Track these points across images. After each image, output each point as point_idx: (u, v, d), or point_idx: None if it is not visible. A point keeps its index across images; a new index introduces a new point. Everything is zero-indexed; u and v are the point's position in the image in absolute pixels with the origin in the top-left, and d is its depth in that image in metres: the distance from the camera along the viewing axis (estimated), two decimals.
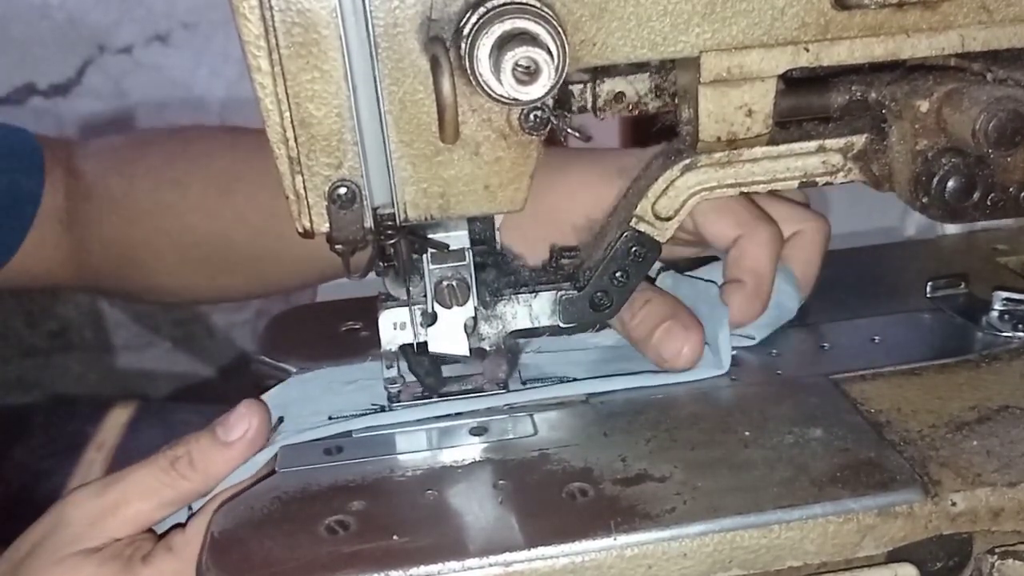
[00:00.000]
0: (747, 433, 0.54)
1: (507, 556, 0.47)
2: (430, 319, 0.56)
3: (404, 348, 0.58)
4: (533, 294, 0.57)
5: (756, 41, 0.49)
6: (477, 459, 0.54)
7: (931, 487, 0.50)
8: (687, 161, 0.54)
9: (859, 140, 0.54)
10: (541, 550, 0.47)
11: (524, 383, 0.60)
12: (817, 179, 0.55)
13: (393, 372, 0.58)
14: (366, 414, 0.58)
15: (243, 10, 0.44)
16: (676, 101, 0.54)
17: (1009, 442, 0.53)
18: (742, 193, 0.55)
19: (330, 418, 0.58)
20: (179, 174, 0.79)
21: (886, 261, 0.66)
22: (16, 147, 0.81)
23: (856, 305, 0.67)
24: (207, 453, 0.54)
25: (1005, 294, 0.64)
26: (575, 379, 0.60)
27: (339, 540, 0.48)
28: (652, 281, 0.64)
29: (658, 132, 0.56)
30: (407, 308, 0.56)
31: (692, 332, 0.58)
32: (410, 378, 0.58)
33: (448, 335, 0.56)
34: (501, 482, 0.52)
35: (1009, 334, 0.63)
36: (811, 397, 0.57)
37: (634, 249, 0.56)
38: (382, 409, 0.59)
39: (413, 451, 0.55)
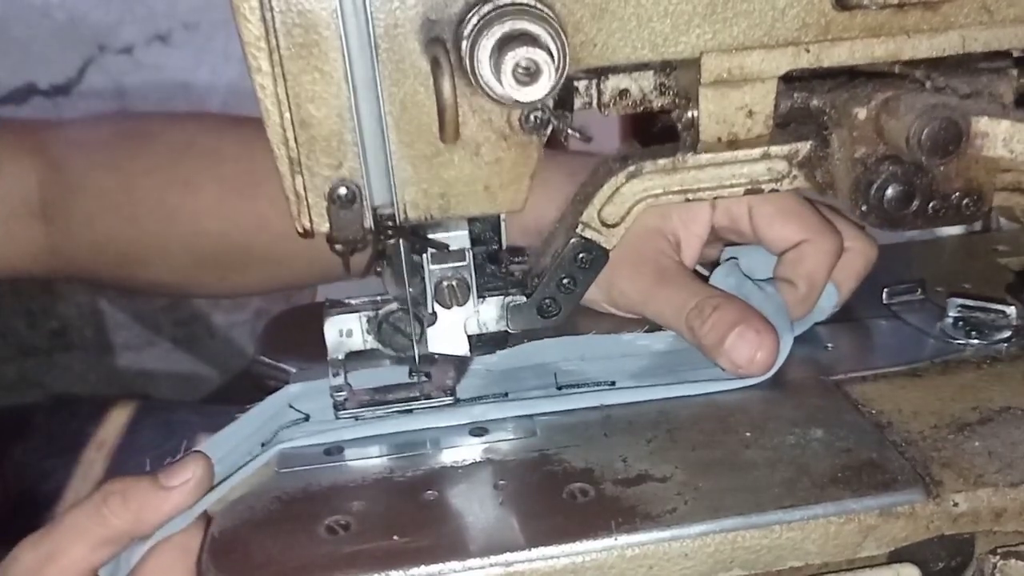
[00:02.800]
0: (748, 434, 0.54)
1: (508, 556, 0.47)
2: (430, 319, 0.56)
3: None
4: (481, 300, 0.56)
5: (757, 42, 0.49)
6: (477, 460, 0.54)
7: (933, 488, 0.50)
8: (631, 168, 0.53)
9: (804, 147, 0.53)
10: (542, 550, 0.47)
11: (560, 388, 0.60)
12: (763, 186, 0.54)
13: (339, 380, 0.57)
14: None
15: (243, 11, 0.44)
16: (678, 100, 0.54)
17: (1011, 443, 0.53)
18: (687, 200, 0.55)
19: (263, 444, 0.57)
20: (188, 174, 0.76)
21: (884, 262, 0.65)
22: None
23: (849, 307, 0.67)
24: (142, 494, 0.52)
25: (960, 301, 0.64)
26: (614, 383, 0.60)
27: (339, 540, 0.48)
28: (706, 279, 0.64)
29: (659, 132, 0.56)
30: (355, 314, 0.56)
31: (765, 336, 0.57)
32: (356, 385, 0.58)
33: (448, 335, 0.56)
34: (501, 482, 0.52)
35: (963, 341, 0.62)
36: (812, 398, 0.57)
37: (581, 256, 0.55)
38: (306, 418, 0.58)
39: (413, 452, 0.55)
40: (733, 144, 0.52)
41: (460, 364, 0.59)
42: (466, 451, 0.55)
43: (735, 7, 0.48)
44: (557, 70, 0.43)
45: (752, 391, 0.58)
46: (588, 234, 0.55)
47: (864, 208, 0.51)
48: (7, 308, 1.52)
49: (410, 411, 0.57)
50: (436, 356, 0.57)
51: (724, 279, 0.63)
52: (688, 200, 0.55)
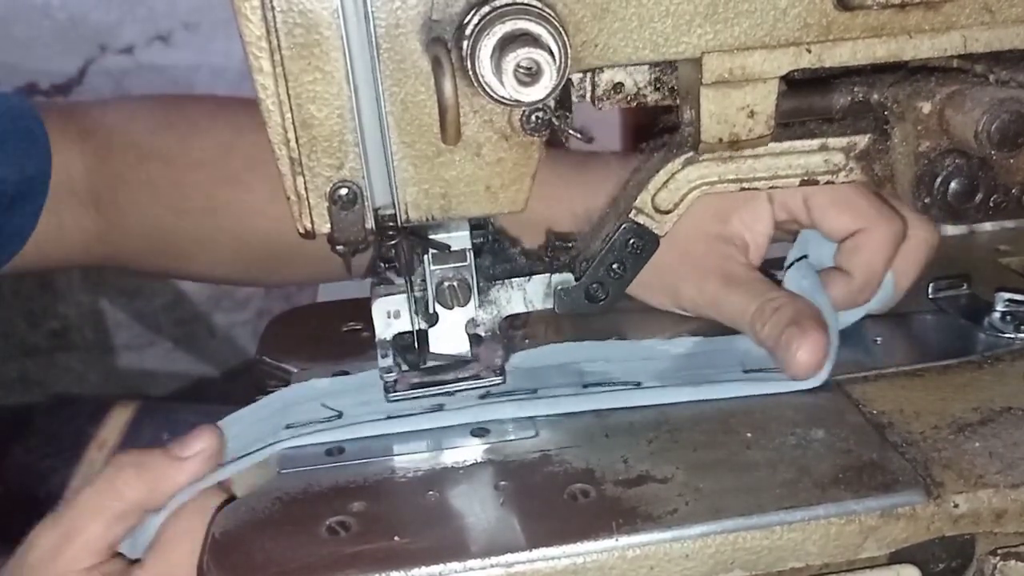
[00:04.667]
0: (749, 434, 0.54)
1: (509, 557, 0.47)
2: (431, 319, 0.56)
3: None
4: (527, 278, 0.56)
5: (758, 42, 0.49)
6: (478, 460, 0.54)
7: (933, 488, 0.50)
8: (689, 155, 0.54)
9: (862, 140, 0.54)
10: (543, 551, 0.47)
11: (585, 387, 0.59)
12: (819, 178, 0.55)
13: (388, 361, 0.56)
14: (328, 420, 0.58)
15: (245, 11, 0.44)
16: (675, 95, 0.54)
17: (1012, 443, 0.53)
18: (742, 188, 0.55)
19: (288, 427, 0.57)
20: (237, 170, 0.74)
21: None
22: (14, 123, 0.73)
23: None
24: (156, 465, 0.52)
25: (1008, 295, 0.64)
26: (640, 384, 0.59)
27: (340, 541, 0.48)
28: (779, 282, 0.63)
29: (660, 132, 0.56)
30: (402, 295, 0.56)
31: (809, 336, 0.56)
32: (406, 366, 0.57)
33: (449, 336, 0.56)
34: (502, 483, 0.52)
35: (1012, 335, 0.63)
36: (813, 398, 0.57)
37: (632, 241, 0.56)
38: (338, 415, 0.58)
39: (414, 452, 0.55)
40: (734, 144, 0.52)
41: (507, 346, 0.59)
42: (467, 452, 0.55)
43: (736, 7, 0.48)
44: (558, 70, 0.43)
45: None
46: (640, 219, 0.55)
47: (927, 201, 0.51)
48: (7, 308, 1.52)
49: (449, 396, 0.57)
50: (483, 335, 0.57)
51: (799, 282, 0.62)
52: (743, 189, 0.55)
